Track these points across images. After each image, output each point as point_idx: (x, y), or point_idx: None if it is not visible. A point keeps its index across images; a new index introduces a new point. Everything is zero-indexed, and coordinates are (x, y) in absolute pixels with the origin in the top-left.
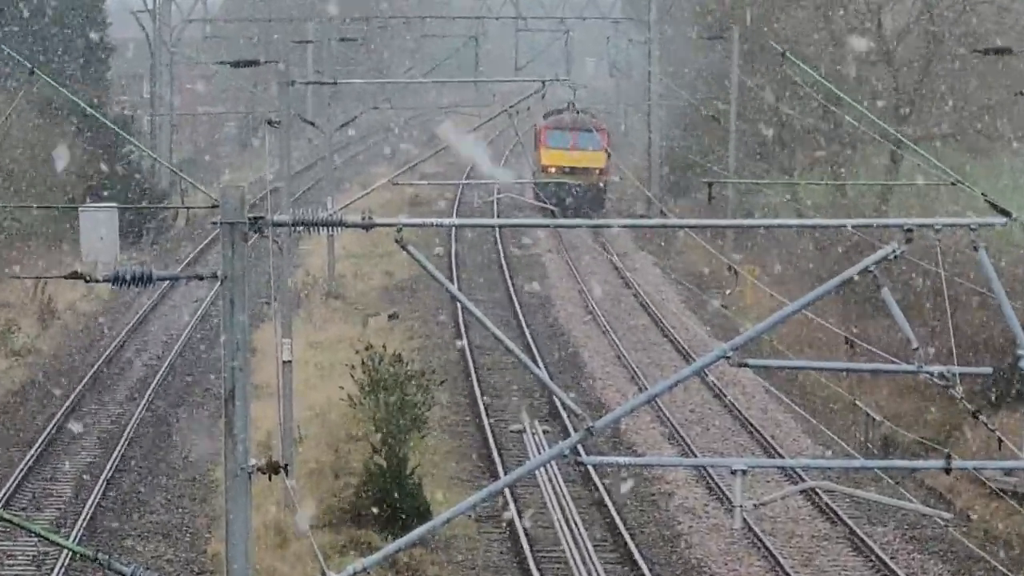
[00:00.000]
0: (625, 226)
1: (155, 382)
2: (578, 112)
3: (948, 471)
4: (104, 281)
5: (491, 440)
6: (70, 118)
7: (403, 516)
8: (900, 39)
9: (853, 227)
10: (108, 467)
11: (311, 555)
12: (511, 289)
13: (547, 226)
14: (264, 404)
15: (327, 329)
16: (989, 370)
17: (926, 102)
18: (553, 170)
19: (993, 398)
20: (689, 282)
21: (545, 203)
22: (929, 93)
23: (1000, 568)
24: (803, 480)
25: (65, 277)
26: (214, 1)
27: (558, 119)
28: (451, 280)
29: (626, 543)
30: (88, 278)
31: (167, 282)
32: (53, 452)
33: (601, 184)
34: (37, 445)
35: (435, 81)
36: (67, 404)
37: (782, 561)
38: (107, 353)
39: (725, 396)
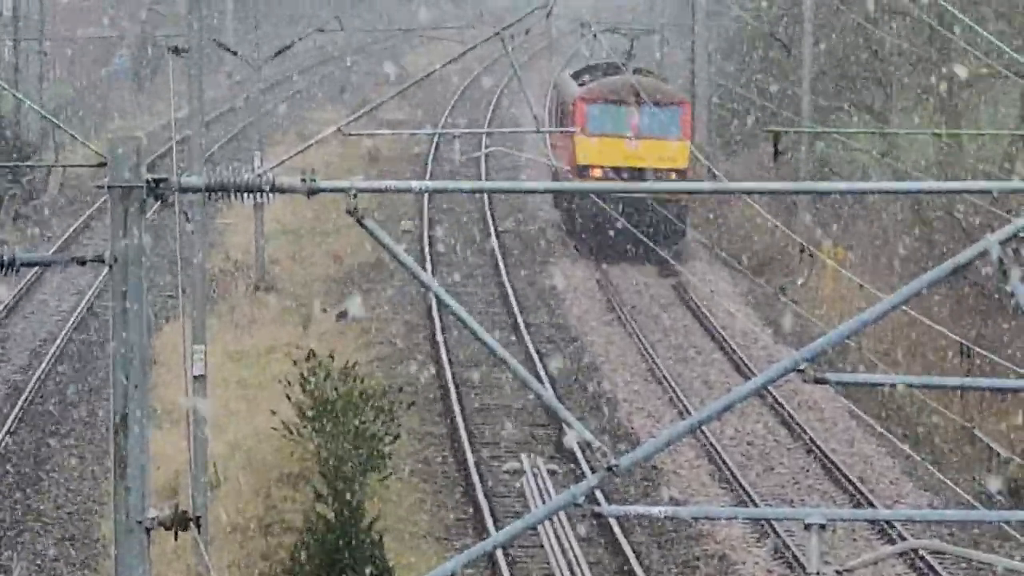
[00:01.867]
0: (659, 192)
1: (19, 405)
2: (639, 72)
3: None
4: None
5: (477, 484)
6: None
7: None
8: None
9: (971, 193)
10: None
11: None
12: (505, 277)
13: (549, 191)
14: (168, 434)
15: (254, 333)
16: None
17: None
18: (599, 173)
19: None
20: (747, 268)
21: (581, 229)
22: None
23: None
24: (903, 538)
25: None
26: None
27: (607, 85)
28: (423, 265)
29: None
30: None
31: (36, 268)
32: None
33: (679, 202)
34: None
35: None
36: None
37: None
38: None
39: (796, 423)
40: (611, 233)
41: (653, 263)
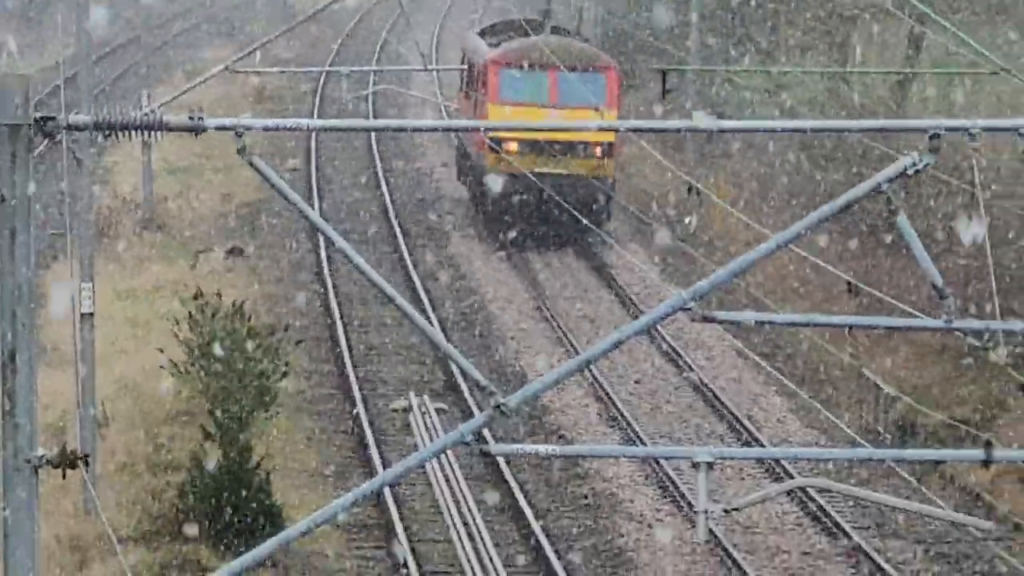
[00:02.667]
0: (545, 131)
1: None
2: (557, 31)
3: (987, 464)
4: None
5: (365, 422)
6: None
7: (246, 525)
8: None
9: (859, 131)
10: None
11: None
12: (392, 216)
13: (437, 130)
14: (56, 373)
15: (142, 271)
16: None
17: None
18: (514, 147)
19: None
20: (635, 206)
21: (491, 213)
22: None
23: None
24: (790, 476)
25: None
26: None
27: (522, 47)
28: (311, 203)
29: (549, 564)
30: None
31: None
32: None
33: (606, 177)
34: None
35: None
36: None
37: None
38: None
39: (684, 362)
40: (530, 216)
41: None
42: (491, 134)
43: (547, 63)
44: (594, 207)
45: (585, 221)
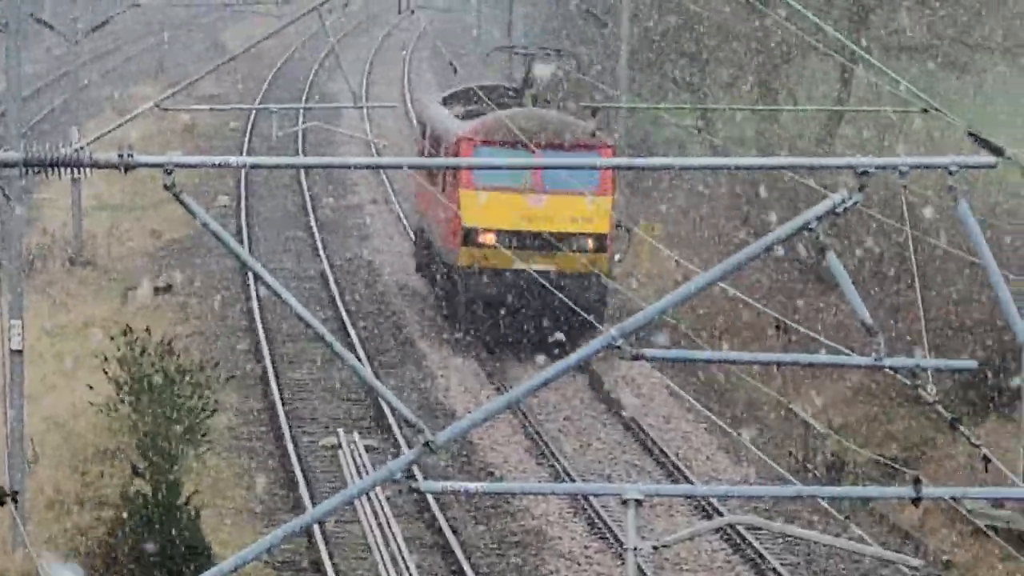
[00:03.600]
0: (475, 167)
1: None
2: (548, 102)
3: (917, 501)
4: None
5: (294, 459)
6: None
7: (175, 562)
8: None
9: (788, 168)
10: None
11: None
12: (322, 253)
13: (369, 166)
14: None
15: (71, 308)
16: (973, 364)
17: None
18: (492, 239)
19: (978, 402)
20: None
21: (464, 317)
22: None
23: None
24: (719, 514)
25: None
26: None
27: (502, 121)
28: (240, 241)
29: None
30: None
31: None
32: None
33: (599, 275)
34: None
35: None
36: None
37: None
38: None
39: (614, 399)
40: (510, 321)
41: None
42: (465, 224)
43: (531, 140)
44: (585, 309)
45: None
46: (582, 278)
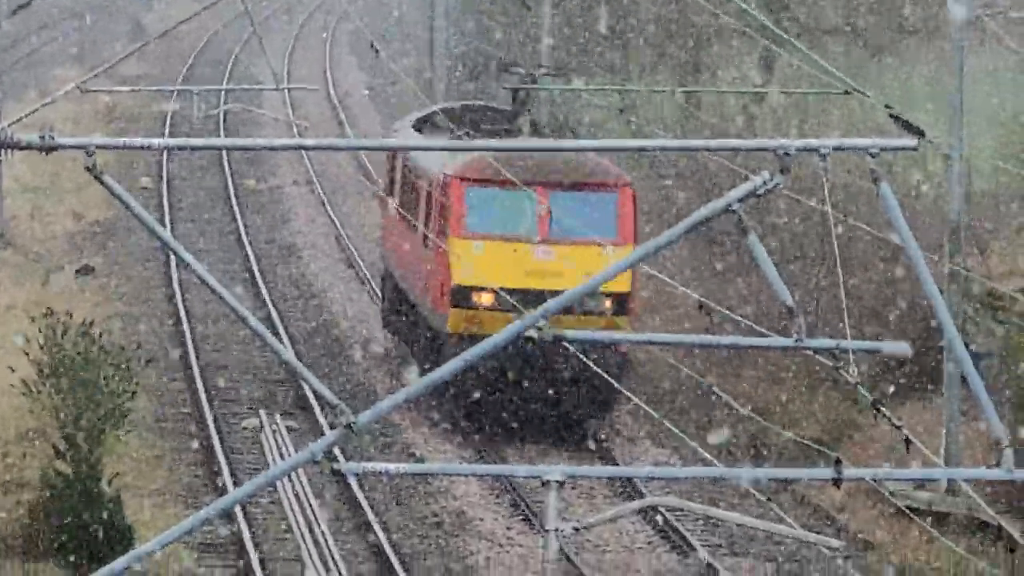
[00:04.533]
0: (403, 149)
1: None
2: (536, 129)
3: (838, 483)
4: None
5: (216, 441)
6: None
7: (96, 543)
8: None
9: (709, 151)
10: None
11: None
12: (244, 235)
13: (291, 148)
14: None
15: None
16: (907, 349)
17: None
18: (489, 300)
19: (900, 384)
20: None
21: (455, 396)
22: None
23: None
24: (641, 495)
25: None
26: None
27: (497, 156)
28: (162, 222)
29: None
30: None
31: None
32: None
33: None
34: None
35: None
36: None
37: None
38: None
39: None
40: (509, 399)
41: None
42: (456, 281)
43: (535, 179)
44: (600, 385)
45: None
46: (596, 352)
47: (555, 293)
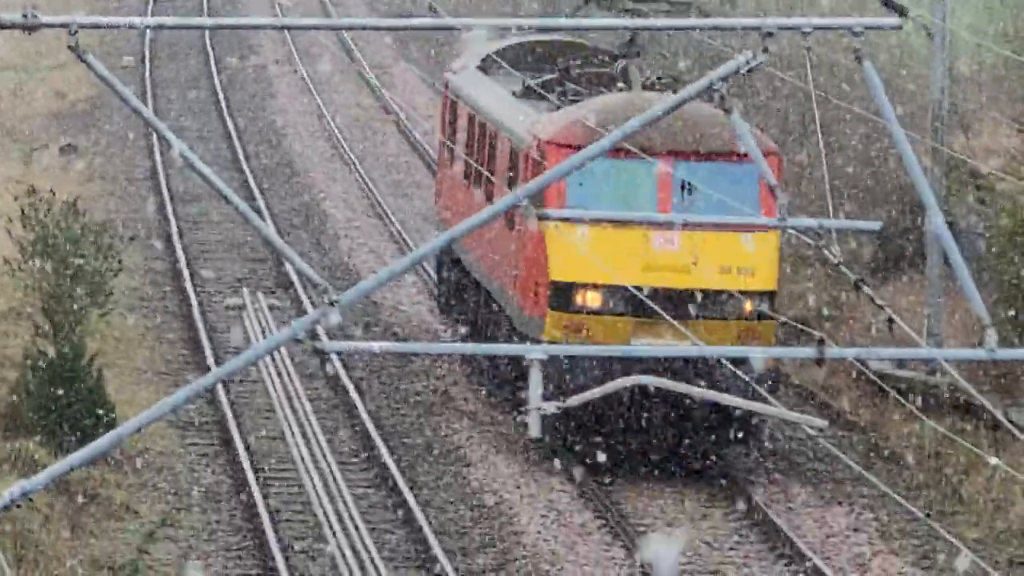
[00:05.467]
0: (389, 29)
1: None
2: (654, 81)
3: (821, 362)
4: None
5: (198, 319)
6: None
7: (78, 422)
8: None
9: (694, 29)
10: None
11: None
12: (226, 114)
13: (274, 27)
14: None
15: None
16: (877, 225)
17: None
18: (598, 301)
19: (883, 263)
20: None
21: (545, 424)
22: None
23: (890, 492)
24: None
25: None
26: None
27: (609, 111)
28: (145, 101)
29: (383, 462)
30: None
31: None
32: None
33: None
34: None
35: None
36: None
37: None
38: None
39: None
40: (620, 429)
41: (376, 101)
42: (555, 277)
43: (656, 145)
44: (738, 415)
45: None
46: (738, 362)
47: (682, 293)
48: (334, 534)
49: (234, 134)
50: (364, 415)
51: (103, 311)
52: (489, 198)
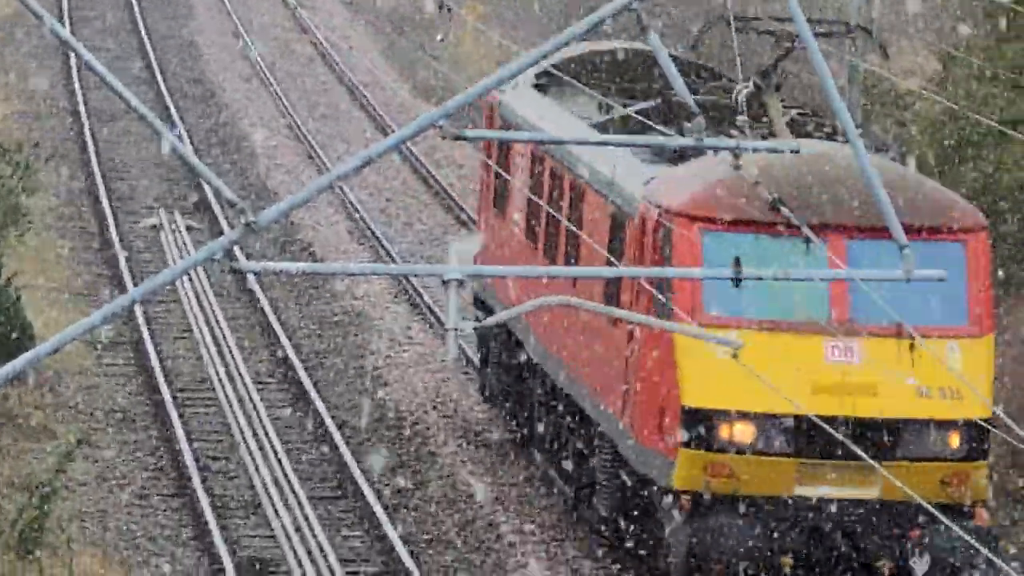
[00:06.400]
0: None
1: None
2: (806, 124)
3: (738, 282)
4: None
5: (115, 239)
6: None
7: None
8: None
9: None
10: None
11: None
12: (144, 30)
13: None
14: None
15: None
16: (795, 145)
17: None
18: (750, 435)
19: None
20: (387, 24)
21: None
22: None
23: None
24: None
25: None
26: None
27: (758, 179)
28: (62, 21)
29: (299, 380)
30: None
31: None
32: None
33: (966, 507)
34: None
35: None
36: None
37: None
38: None
39: (435, 180)
40: None
41: (296, 23)
42: (689, 402)
43: (824, 219)
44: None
45: None
46: (936, 521)
47: (867, 424)
48: (251, 454)
49: (151, 53)
50: (281, 335)
51: (19, 231)
52: (604, 287)
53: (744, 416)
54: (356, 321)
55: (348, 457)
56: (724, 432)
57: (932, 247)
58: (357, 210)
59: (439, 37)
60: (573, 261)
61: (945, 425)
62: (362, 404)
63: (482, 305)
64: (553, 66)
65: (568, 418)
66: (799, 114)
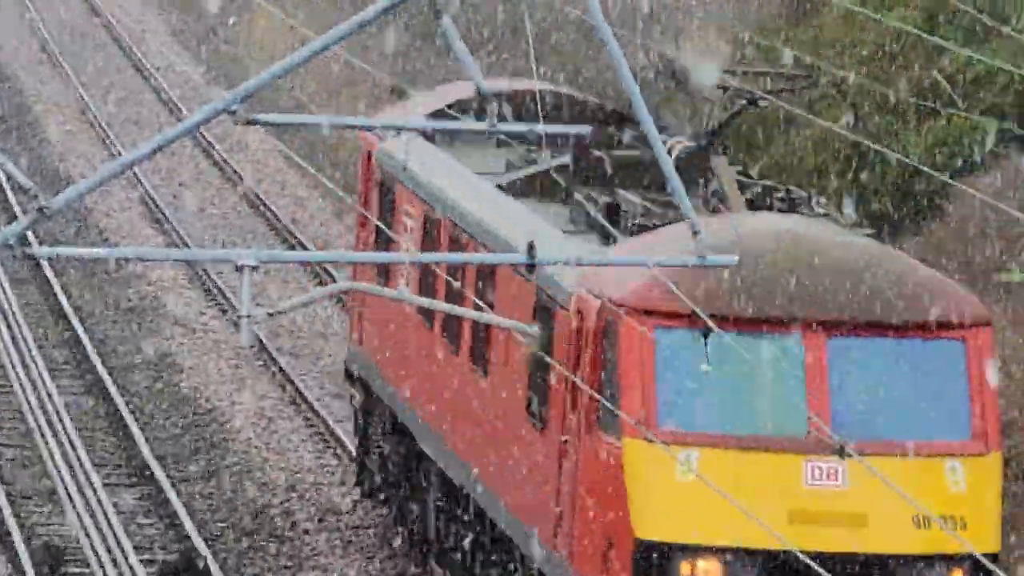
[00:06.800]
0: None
1: None
2: (790, 203)
3: (532, 267)
4: None
5: None
6: None
7: None
8: None
9: None
10: None
11: None
12: None
13: None
14: None
15: None
16: (586, 129)
17: None
18: (720, 571)
19: None
20: (181, 10)
21: None
22: None
23: None
24: (334, 280)
25: None
26: None
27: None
28: None
29: (92, 366)
30: None
31: None
32: None
33: None
34: None
35: None
36: None
37: (304, 390)
38: None
39: (228, 165)
40: None
41: (87, 5)
42: (641, 535)
43: (799, 313)
44: None
45: None
46: None
47: (854, 560)
48: (46, 442)
49: None
50: (75, 321)
51: None
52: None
53: (709, 552)
54: (150, 307)
55: (143, 446)
56: (685, 570)
57: (938, 344)
58: (151, 195)
59: (231, 20)
60: (482, 352)
61: (946, 562)
62: (157, 389)
63: (360, 382)
64: (448, 107)
65: (476, 529)
66: (765, 187)
